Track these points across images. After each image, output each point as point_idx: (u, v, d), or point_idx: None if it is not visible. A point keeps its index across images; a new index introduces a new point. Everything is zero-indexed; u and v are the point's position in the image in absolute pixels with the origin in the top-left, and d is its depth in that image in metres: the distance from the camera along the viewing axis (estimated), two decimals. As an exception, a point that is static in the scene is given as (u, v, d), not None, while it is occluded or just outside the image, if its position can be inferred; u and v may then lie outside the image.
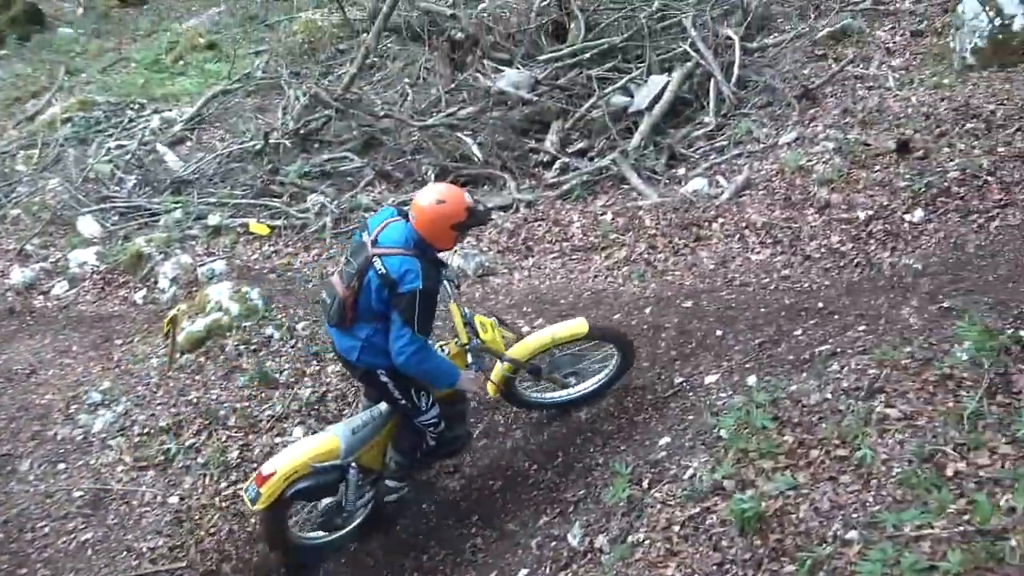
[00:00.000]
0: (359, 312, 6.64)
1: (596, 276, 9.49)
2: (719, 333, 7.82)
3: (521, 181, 11.61)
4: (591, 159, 11.48)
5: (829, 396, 6.46)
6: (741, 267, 8.87)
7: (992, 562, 4.93)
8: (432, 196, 6.53)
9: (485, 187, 11.86)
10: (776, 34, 12.42)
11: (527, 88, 12.49)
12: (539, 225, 10.67)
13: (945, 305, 7.10)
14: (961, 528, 5.21)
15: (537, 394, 8.04)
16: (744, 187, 9.90)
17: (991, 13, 10.41)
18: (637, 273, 9.30)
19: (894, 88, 10.60)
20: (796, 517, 5.75)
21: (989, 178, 8.77)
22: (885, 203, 8.91)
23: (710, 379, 7.30)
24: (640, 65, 12.29)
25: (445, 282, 7.13)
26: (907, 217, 8.72)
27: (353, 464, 7.23)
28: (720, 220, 9.52)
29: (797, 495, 5.86)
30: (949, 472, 5.60)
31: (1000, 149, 9.03)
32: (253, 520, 7.81)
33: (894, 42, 11.50)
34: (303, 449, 7.17)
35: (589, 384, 7.94)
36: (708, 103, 11.56)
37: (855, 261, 8.45)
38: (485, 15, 14.04)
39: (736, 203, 9.70)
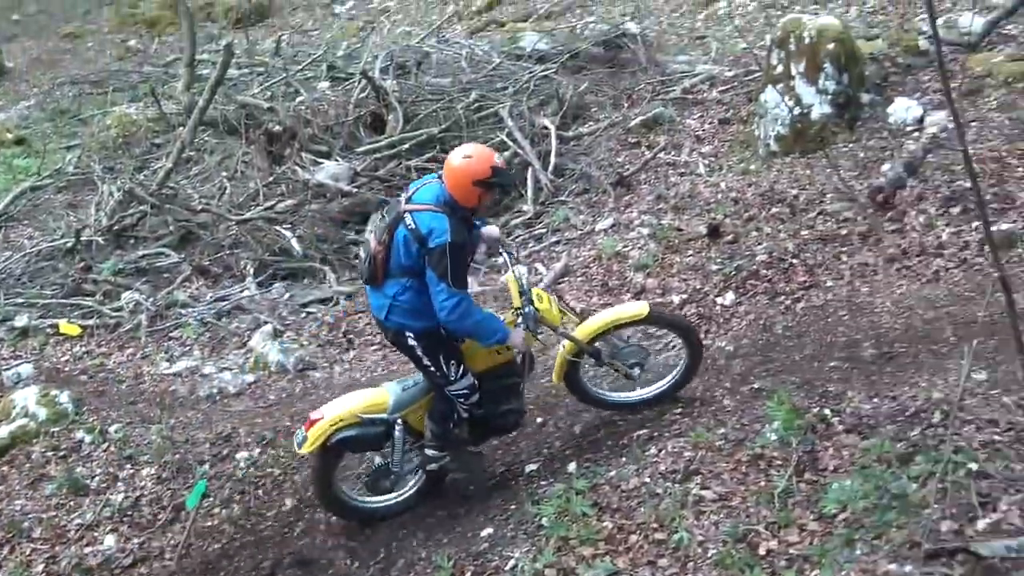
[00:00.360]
0: (390, 269, 6.76)
1: (417, 367, 9.47)
2: (540, 420, 7.90)
3: (341, 273, 11.58)
4: (411, 249, 11.52)
5: (647, 480, 6.58)
6: (551, 354, 8.98)
7: (802, 637, 5.08)
8: (460, 153, 6.66)
9: (305, 280, 11.78)
10: (591, 123, 12.70)
11: (346, 180, 12.52)
12: (359, 317, 10.64)
13: (756, 386, 7.32)
14: (773, 605, 5.36)
15: (602, 390, 7.90)
16: (563, 274, 10.06)
17: (791, 102, 10.85)
18: None
19: (704, 174, 10.94)
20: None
21: (794, 260, 9.09)
22: (698, 286, 9.15)
23: (531, 467, 7.35)
24: (457, 153, 12.44)
25: (504, 252, 7.49)
26: (719, 300, 8.98)
27: (399, 421, 7.22)
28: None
29: (620, 578, 5.95)
30: (762, 551, 5.75)
31: (803, 232, 9.38)
32: None
33: (703, 130, 11.87)
34: (354, 400, 7.30)
35: (656, 387, 7.77)
36: (526, 191, 11.73)
37: (670, 344, 8.63)
38: (303, 108, 14.02)
39: (555, 290, 9.84)
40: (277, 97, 14.48)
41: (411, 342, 6.94)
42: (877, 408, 6.58)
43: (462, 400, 7.10)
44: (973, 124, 10.37)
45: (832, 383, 7.17)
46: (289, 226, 12.17)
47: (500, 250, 7.65)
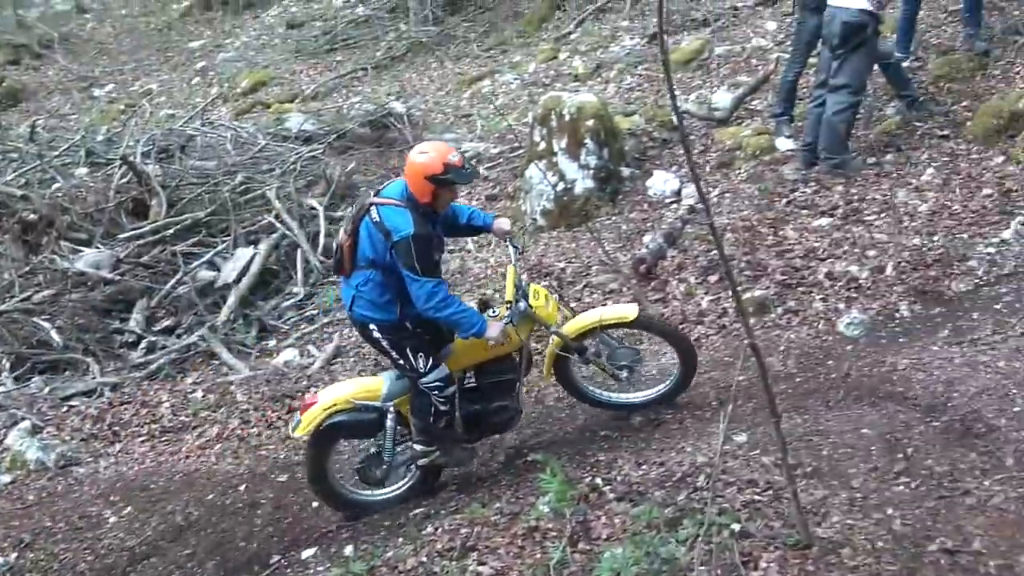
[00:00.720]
0: (357, 260, 6.97)
1: (188, 457, 9.27)
2: (315, 504, 7.82)
3: (105, 364, 11.22)
4: (179, 336, 11.32)
5: (424, 559, 6.58)
6: (335, 435, 8.94)
7: None
8: (419, 149, 6.81)
9: (67, 372, 11.36)
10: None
11: (108, 267, 12.21)
12: (126, 408, 10.35)
13: (529, 458, 7.40)
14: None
15: (593, 387, 7.98)
16: (335, 355, 10.04)
17: (555, 178, 11.12)
18: (230, 450, 9.16)
19: (473, 250, 11.08)
20: None
21: (564, 331, 9.28)
22: (471, 361, 9.24)
23: (307, 553, 7.25)
24: (226, 239, 12.27)
25: (510, 246, 7.59)
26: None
27: (391, 410, 7.35)
28: (312, 390, 9.57)
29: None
30: (540, 621, 5.82)
31: (573, 304, 9.50)
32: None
33: (472, 206, 12.01)
34: (350, 386, 7.60)
35: (645, 394, 7.92)
36: (296, 273, 11.69)
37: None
38: (60, 195, 13.61)
39: (328, 371, 9.81)
40: (32, 184, 13.99)
41: (375, 334, 7.13)
42: (646, 475, 6.74)
43: (436, 392, 7.14)
44: (726, 195, 10.78)
45: (603, 452, 7.32)
46: (47, 317, 11.66)
47: (507, 244, 7.66)
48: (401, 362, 7.13)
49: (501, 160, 12.73)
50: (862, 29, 9.91)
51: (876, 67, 10.93)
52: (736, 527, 5.99)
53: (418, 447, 7.47)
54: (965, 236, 9.30)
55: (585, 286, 9.82)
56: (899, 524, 5.80)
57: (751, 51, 13.94)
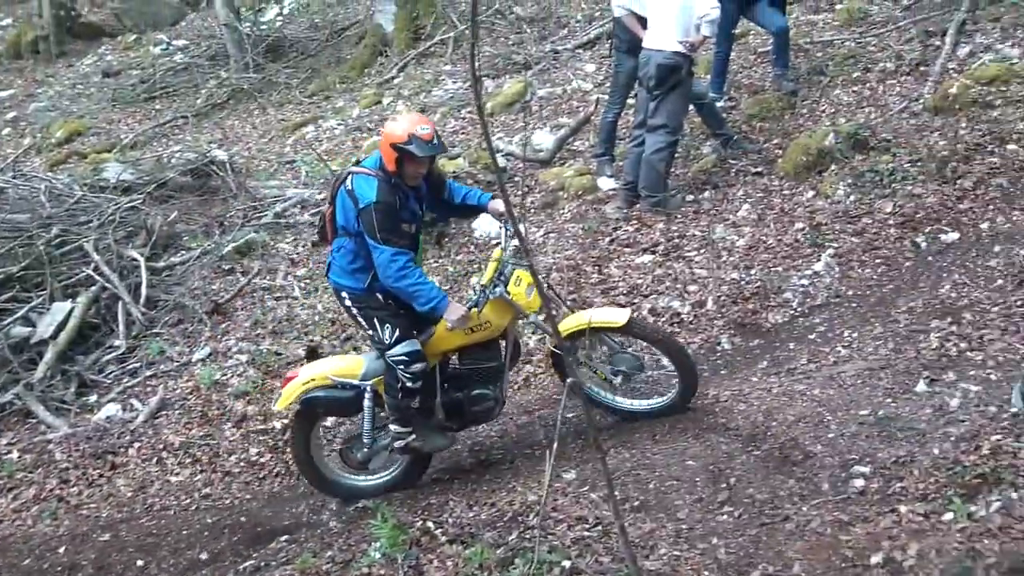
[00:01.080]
0: (336, 227, 7.12)
1: (2, 521, 8.87)
2: (140, 563, 7.57)
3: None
4: (-7, 395, 10.91)
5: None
6: (161, 491, 8.68)
7: None
8: (394, 115, 6.95)
9: None
10: (183, 252, 12.47)
11: (-83, 325, 11.74)
12: None
13: (360, 505, 7.33)
14: None
15: (592, 386, 7.75)
16: (160, 408, 9.78)
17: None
18: (48, 512, 8.79)
19: (300, 297, 10.96)
20: None
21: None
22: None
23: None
24: (41, 293, 11.85)
25: (502, 228, 7.61)
26: (322, 423, 8.91)
27: (368, 388, 7.36)
28: (136, 445, 9.33)
29: None
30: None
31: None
32: None
33: (297, 253, 11.90)
34: (330, 363, 7.71)
35: (644, 404, 7.82)
36: (118, 326, 11.36)
37: (275, 471, 8.54)
38: None
39: (152, 425, 9.57)
40: None
41: (347, 302, 7.27)
42: (477, 516, 6.73)
43: (402, 368, 7.03)
44: (551, 235, 10.89)
45: (433, 495, 7.31)
46: None
47: (501, 225, 7.65)
48: (370, 332, 7.20)
49: (326, 206, 12.60)
50: (676, 70, 10.16)
51: (692, 107, 11.16)
52: (567, 564, 6.01)
53: (392, 427, 7.43)
54: (780, 269, 9.55)
55: (413, 329, 9.77)
56: (723, 553, 5.91)
57: (572, 93, 14.11)
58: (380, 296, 7.11)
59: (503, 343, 7.53)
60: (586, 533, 6.32)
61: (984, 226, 9.27)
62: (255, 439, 8.98)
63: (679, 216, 10.55)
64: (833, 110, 11.67)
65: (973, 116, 10.59)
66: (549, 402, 8.26)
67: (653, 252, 10.17)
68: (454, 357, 7.58)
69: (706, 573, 5.89)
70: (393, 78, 17.00)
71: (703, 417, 7.61)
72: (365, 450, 7.57)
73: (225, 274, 11.77)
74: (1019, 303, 7.87)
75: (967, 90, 10.86)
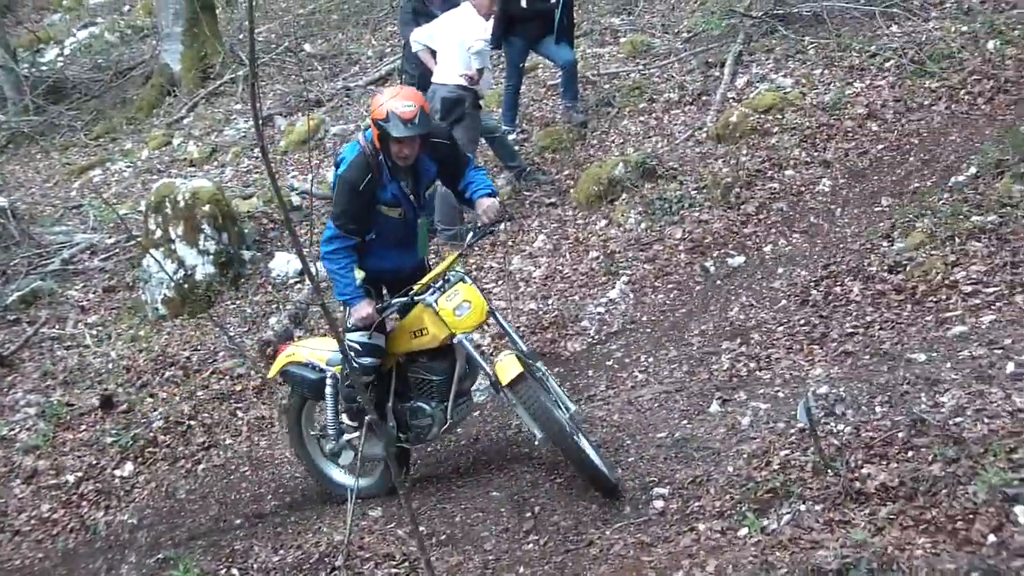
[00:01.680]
0: None
1: None
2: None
3: None
4: None
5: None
6: (-55, 554, 8.34)
7: None
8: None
9: None
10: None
11: None
12: None
13: (162, 556, 7.16)
14: None
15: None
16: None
17: (174, 265, 10.89)
18: None
19: (92, 345, 10.66)
20: None
21: (192, 422, 9.06)
22: (94, 462, 8.84)
23: None
24: None
25: (467, 231, 7.77)
26: (118, 472, 8.72)
27: (331, 373, 7.14)
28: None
29: None
30: None
31: (199, 393, 9.38)
32: None
33: (88, 299, 11.60)
34: (315, 343, 7.51)
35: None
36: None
37: (69, 527, 8.26)
38: None
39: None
40: None
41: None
42: (283, 559, 6.68)
43: (353, 356, 6.71)
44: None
45: (238, 540, 7.19)
46: None
47: (476, 228, 7.16)
48: (340, 311, 7.17)
49: (117, 250, 12.33)
50: (460, 103, 10.28)
51: (484, 141, 11.27)
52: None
53: (344, 420, 7.20)
54: (576, 298, 9.73)
55: (212, 372, 9.64)
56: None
57: (364, 129, 14.11)
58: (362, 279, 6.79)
59: (458, 361, 7.05)
60: (394, 570, 6.34)
61: (767, 249, 9.58)
62: (47, 494, 8.67)
63: (476, 248, 10.62)
64: (622, 140, 11.93)
65: (753, 143, 10.94)
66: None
67: (449, 284, 10.25)
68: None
69: (514, 605, 5.97)
70: (183, 118, 16.73)
71: (507, 448, 7.70)
72: (332, 443, 7.35)
73: (10, 325, 11.38)
74: (802, 322, 8.13)
75: (746, 118, 11.23)
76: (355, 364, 6.71)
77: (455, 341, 6.72)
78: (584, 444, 6.55)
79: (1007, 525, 5.15)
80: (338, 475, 7.63)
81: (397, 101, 6.26)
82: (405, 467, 7.50)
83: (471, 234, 7.24)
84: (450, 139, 6.77)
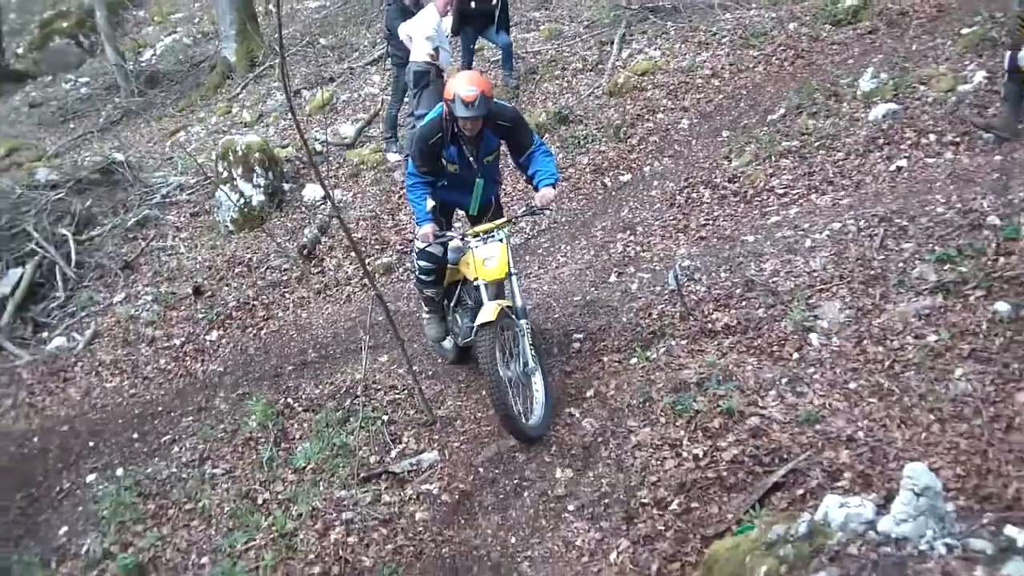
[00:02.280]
0: None
1: None
2: (92, 444, 7.25)
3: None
4: (-29, 340, 10.19)
5: (175, 470, 6.37)
6: (100, 394, 8.31)
7: (291, 552, 5.14)
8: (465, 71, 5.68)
9: None
10: (99, 227, 11.79)
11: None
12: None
13: (240, 392, 7.23)
14: (271, 536, 5.37)
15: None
16: (94, 338, 9.32)
17: (236, 195, 10.76)
18: (23, 414, 8.31)
19: (185, 252, 10.55)
20: (165, 558, 5.63)
21: (255, 302, 9.03)
22: (192, 330, 8.83)
23: (90, 478, 6.72)
24: (-1, 264, 11.15)
25: (524, 215, 6.60)
26: (208, 337, 8.72)
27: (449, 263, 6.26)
28: (79, 364, 8.90)
29: (164, 544, 5.72)
30: (259, 501, 5.75)
31: (259, 282, 9.33)
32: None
33: (180, 221, 11.43)
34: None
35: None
36: (57, 283, 10.73)
37: (179, 374, 8.27)
38: None
39: (89, 350, 9.12)
40: None
41: None
42: (322, 391, 6.76)
43: (415, 256, 6.33)
44: (358, 196, 10.74)
45: (291, 380, 7.23)
46: None
47: (530, 207, 6.09)
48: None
49: (198, 188, 12.11)
50: (426, 74, 10.14)
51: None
52: (385, 417, 6.15)
53: (422, 300, 6.59)
54: (515, 207, 9.66)
55: (267, 268, 9.58)
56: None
57: (365, 96, 13.87)
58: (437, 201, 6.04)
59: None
60: (397, 396, 6.45)
61: (646, 169, 9.53)
62: (163, 353, 8.68)
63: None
64: (544, 97, 11.70)
65: (634, 97, 10.83)
66: (364, 311, 8.16)
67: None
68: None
69: (479, 415, 6.10)
70: (238, 94, 16.29)
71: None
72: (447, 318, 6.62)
73: (130, 240, 11.24)
74: (671, 218, 8.18)
75: (629, 80, 11.11)
76: (415, 263, 6.32)
77: (476, 283, 5.88)
78: (515, 399, 5.59)
79: (805, 347, 5.37)
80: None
81: (463, 86, 5.48)
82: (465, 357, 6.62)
83: (523, 210, 6.52)
84: (513, 122, 5.82)
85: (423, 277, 6.24)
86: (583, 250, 8.40)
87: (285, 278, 9.39)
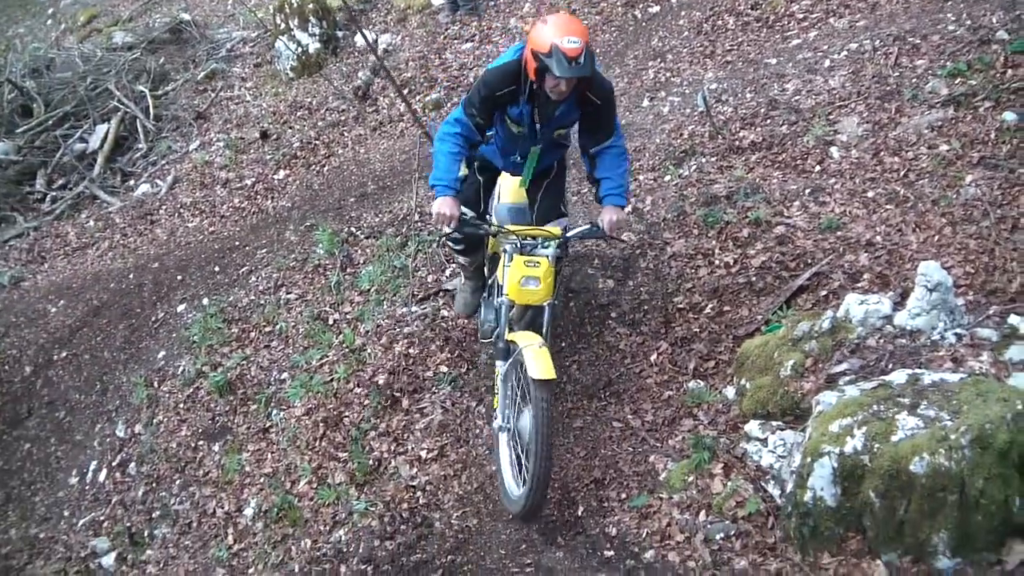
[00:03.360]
0: None
1: (92, 264, 8.37)
2: (180, 277, 7.25)
3: (27, 216, 10.00)
4: (70, 188, 10.11)
5: (253, 297, 6.30)
6: (184, 233, 8.21)
7: (360, 365, 5.04)
8: (551, 17, 3.67)
9: (2, 224, 10.08)
10: (172, 83, 11.43)
11: (12, 152, 10.71)
12: (46, 240, 9.32)
13: (308, 224, 7.05)
14: (342, 352, 5.27)
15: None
16: (174, 183, 9.18)
17: (294, 45, 10.27)
18: (118, 255, 8.33)
19: (251, 100, 10.22)
20: (250, 375, 5.60)
21: (317, 142, 8.72)
22: (261, 171, 8.61)
23: (180, 308, 6.77)
24: (87, 121, 10.89)
25: (596, 226, 3.96)
26: (276, 176, 8.49)
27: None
28: (164, 207, 8.82)
29: (248, 363, 5.70)
30: (330, 321, 5.65)
31: (319, 124, 9.00)
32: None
33: (245, 72, 11.05)
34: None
35: None
36: (139, 134, 10.51)
37: (252, 211, 8.10)
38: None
39: (171, 194, 9.02)
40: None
41: None
42: (381, 220, 6.55)
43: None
44: (406, 39, 10.17)
45: (353, 211, 7.04)
46: (-25, 191, 10.28)
47: (596, 225, 3.99)
48: None
49: (259, 40, 11.61)
50: None
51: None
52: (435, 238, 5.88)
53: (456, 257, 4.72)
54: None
55: (326, 110, 9.22)
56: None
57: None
58: (476, 162, 4.33)
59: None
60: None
61: (673, 0, 8.87)
62: (236, 193, 8.50)
63: (486, 16, 9.94)
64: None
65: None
66: (414, 145, 7.85)
67: (472, 41, 9.62)
68: None
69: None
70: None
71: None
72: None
73: (201, 92, 10.92)
74: (698, 45, 7.66)
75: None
76: (451, 239, 4.38)
77: (500, 300, 4.05)
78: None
79: (826, 159, 5.19)
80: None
81: (563, 36, 3.51)
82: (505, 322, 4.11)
83: (583, 228, 4.06)
84: (605, 100, 3.91)
85: (453, 245, 4.46)
86: (616, 78, 7.90)
87: (343, 118, 9.01)
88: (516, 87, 3.82)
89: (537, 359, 3.56)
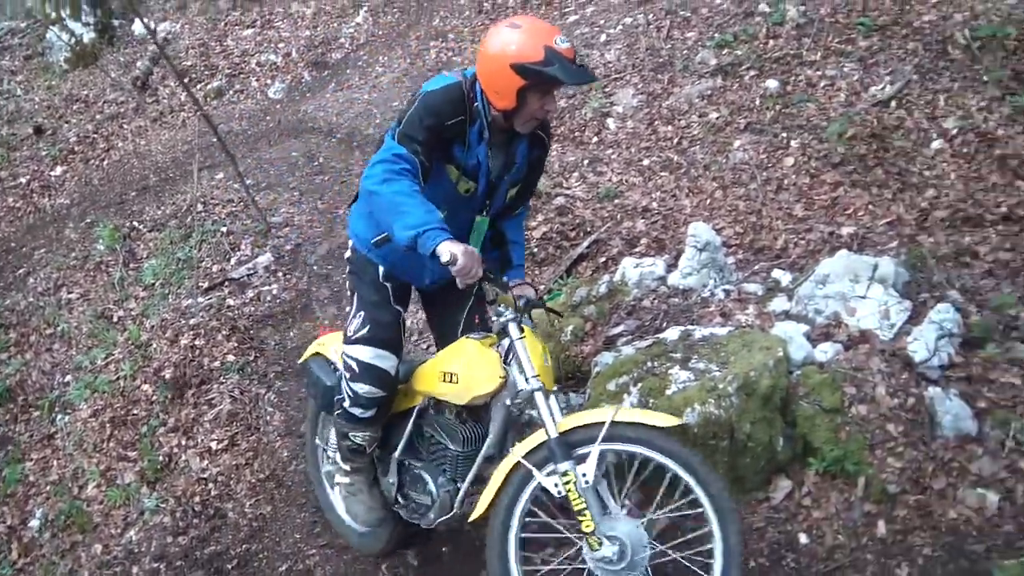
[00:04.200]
0: None
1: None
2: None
3: None
4: None
5: (32, 299, 5.67)
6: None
7: (146, 361, 4.63)
8: (504, 24, 2.42)
9: None
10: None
11: None
12: None
13: (88, 221, 6.39)
14: (127, 349, 4.83)
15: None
16: None
17: (67, 36, 9.26)
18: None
19: (22, 95, 9.09)
20: (31, 381, 5.05)
21: (95, 135, 7.93)
22: (36, 168, 7.66)
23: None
24: None
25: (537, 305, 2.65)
26: (52, 173, 7.55)
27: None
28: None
29: (28, 368, 5.12)
30: (114, 319, 5.18)
31: (97, 116, 8.20)
32: None
33: (15, 66, 9.76)
34: (336, 338, 3.02)
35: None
36: None
37: (27, 211, 7.12)
38: None
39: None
40: None
41: (348, 262, 2.82)
42: (164, 212, 6.05)
43: (348, 377, 2.71)
44: (186, 26, 9.42)
45: (135, 205, 6.43)
46: None
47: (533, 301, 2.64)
48: (348, 310, 2.79)
49: (28, 31, 10.24)
50: None
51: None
52: (224, 229, 5.56)
53: (336, 461, 3.02)
54: (335, 24, 8.94)
55: (104, 102, 8.41)
56: (320, 205, 5.61)
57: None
58: (383, 264, 2.67)
59: (490, 434, 2.58)
60: (233, 209, 5.81)
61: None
62: (10, 192, 7.50)
63: (267, 1, 9.41)
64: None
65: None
66: (197, 135, 7.26)
67: (253, 26, 9.10)
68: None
69: (309, 217, 5.59)
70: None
71: (298, 124, 7.08)
72: (328, 466, 3.21)
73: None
74: (480, 24, 7.60)
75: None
76: (351, 389, 2.72)
77: (497, 404, 2.55)
78: None
79: (603, 131, 5.23)
80: (341, 510, 3.19)
81: (552, 36, 2.34)
82: (401, 540, 3.07)
83: (528, 300, 2.59)
84: (548, 144, 2.74)
85: (359, 413, 2.77)
86: (399, 59, 7.76)
87: (122, 110, 8.26)
88: (465, 117, 2.45)
89: (642, 414, 2.38)
